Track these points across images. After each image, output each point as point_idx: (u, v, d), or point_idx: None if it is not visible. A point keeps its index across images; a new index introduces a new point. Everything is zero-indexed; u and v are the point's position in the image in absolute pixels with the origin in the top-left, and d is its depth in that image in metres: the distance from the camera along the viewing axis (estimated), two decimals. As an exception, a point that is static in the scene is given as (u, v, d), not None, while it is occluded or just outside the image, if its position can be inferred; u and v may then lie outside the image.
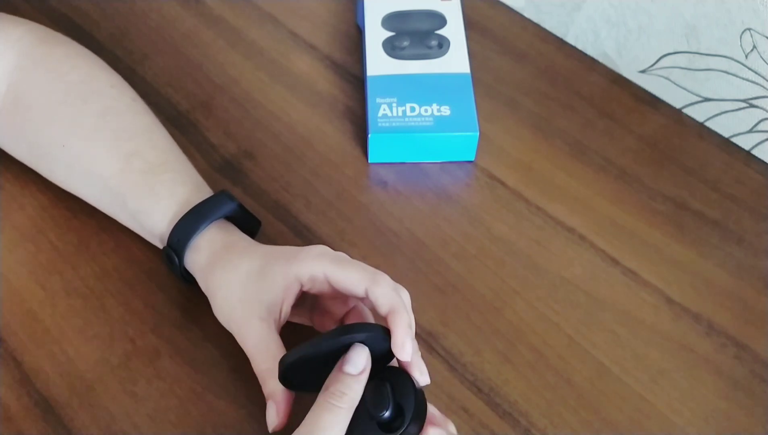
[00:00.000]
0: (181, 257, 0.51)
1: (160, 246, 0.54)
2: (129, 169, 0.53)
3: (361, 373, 0.42)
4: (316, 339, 0.43)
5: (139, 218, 0.54)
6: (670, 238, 0.59)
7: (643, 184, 0.62)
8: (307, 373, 0.44)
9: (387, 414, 0.42)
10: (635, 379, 0.52)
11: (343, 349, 0.43)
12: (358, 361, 0.42)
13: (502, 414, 0.50)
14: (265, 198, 0.61)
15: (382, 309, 0.44)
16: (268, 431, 0.46)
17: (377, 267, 0.46)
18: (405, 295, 0.47)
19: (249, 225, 0.55)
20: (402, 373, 0.44)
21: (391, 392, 0.42)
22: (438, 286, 0.56)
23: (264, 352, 0.46)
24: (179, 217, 0.51)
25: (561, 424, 0.50)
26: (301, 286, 0.47)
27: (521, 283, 0.56)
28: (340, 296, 0.49)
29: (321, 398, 0.42)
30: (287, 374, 0.44)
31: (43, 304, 0.55)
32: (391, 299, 0.44)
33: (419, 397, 0.43)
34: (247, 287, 0.48)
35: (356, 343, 0.43)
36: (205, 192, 0.54)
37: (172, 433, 0.49)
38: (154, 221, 0.53)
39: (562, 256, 0.57)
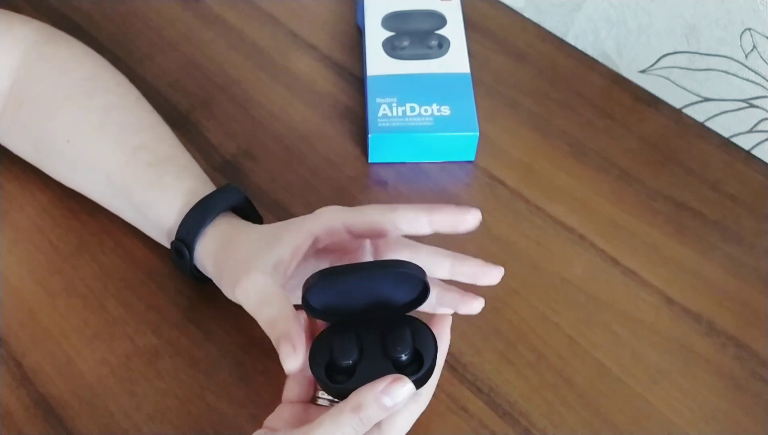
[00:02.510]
0: (191, 250, 0.51)
1: (165, 241, 0.53)
2: (135, 162, 0.53)
3: (393, 406, 0.40)
4: (350, 265, 0.42)
5: (145, 211, 0.53)
6: (670, 238, 0.59)
7: (643, 184, 0.62)
8: (333, 299, 0.43)
9: (405, 357, 0.42)
10: (635, 379, 0.52)
11: (378, 281, 0.43)
12: (399, 395, 0.40)
13: (502, 414, 0.50)
14: (265, 198, 0.60)
15: (420, 222, 0.45)
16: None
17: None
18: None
19: (252, 220, 0.55)
20: (423, 324, 0.44)
21: (411, 337, 0.43)
22: (438, 286, 0.56)
23: (269, 300, 0.45)
24: (188, 208, 0.51)
25: (561, 424, 0.50)
26: (315, 241, 0.47)
27: (521, 283, 0.56)
28: (358, 250, 0.49)
29: (347, 409, 0.40)
30: (314, 292, 0.42)
31: (43, 304, 0.55)
32: (418, 208, 0.45)
33: (436, 349, 0.43)
34: (254, 249, 0.47)
35: (401, 379, 0.40)
36: (210, 186, 0.54)
37: (172, 433, 0.49)
38: (160, 213, 0.52)
39: (562, 256, 0.57)
